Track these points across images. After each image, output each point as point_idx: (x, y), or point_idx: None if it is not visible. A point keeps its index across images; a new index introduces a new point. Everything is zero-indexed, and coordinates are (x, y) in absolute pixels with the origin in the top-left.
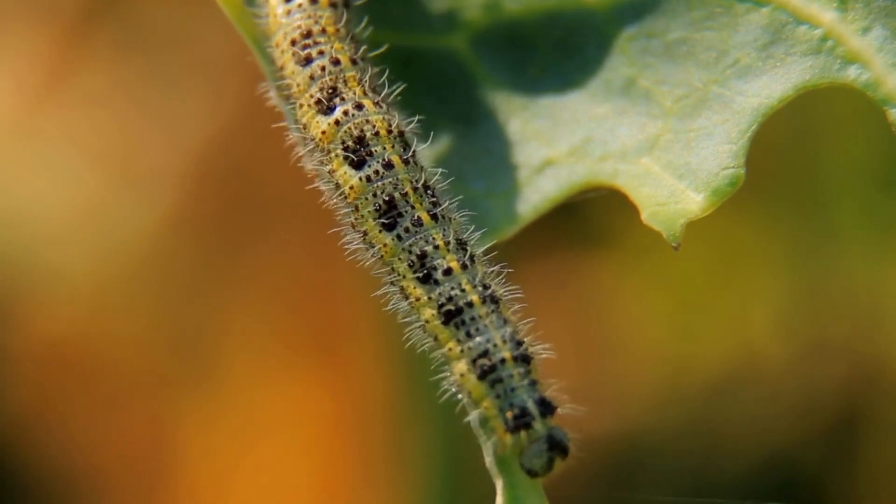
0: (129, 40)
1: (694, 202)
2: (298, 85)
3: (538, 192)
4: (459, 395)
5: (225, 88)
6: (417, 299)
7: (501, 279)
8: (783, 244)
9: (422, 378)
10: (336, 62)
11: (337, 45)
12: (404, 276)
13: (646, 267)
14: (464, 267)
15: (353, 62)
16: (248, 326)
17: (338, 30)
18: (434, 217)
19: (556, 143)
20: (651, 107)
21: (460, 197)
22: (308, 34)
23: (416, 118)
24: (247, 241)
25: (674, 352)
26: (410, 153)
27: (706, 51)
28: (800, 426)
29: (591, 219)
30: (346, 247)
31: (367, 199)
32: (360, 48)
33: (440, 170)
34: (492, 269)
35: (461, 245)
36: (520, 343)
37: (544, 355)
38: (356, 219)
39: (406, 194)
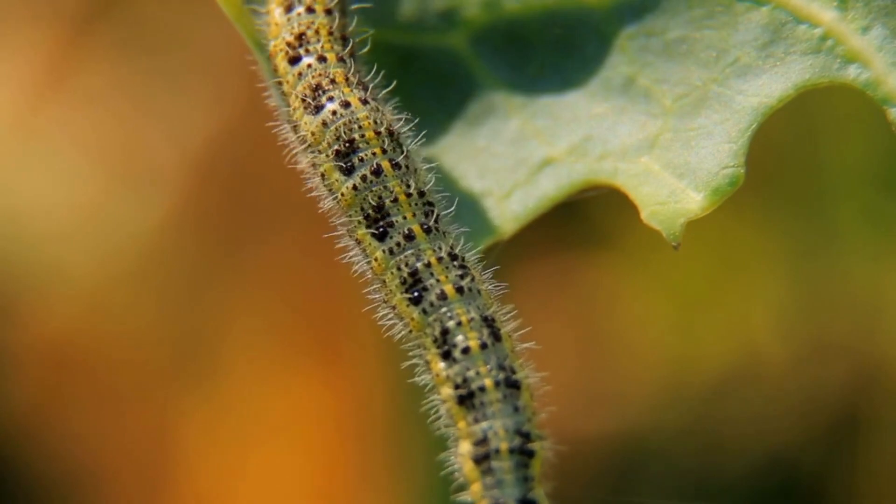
0: (130, 40)
1: (694, 201)
2: (288, 82)
3: (538, 191)
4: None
5: (225, 88)
6: (433, 369)
7: (492, 282)
8: (783, 244)
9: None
10: (322, 59)
11: (326, 44)
12: (394, 294)
13: (646, 267)
14: (467, 309)
15: (341, 59)
16: (249, 325)
17: (331, 32)
18: (427, 230)
19: (556, 141)
20: (651, 105)
21: (455, 198)
22: (301, 36)
23: (416, 120)
24: (247, 241)
25: (674, 352)
26: (402, 156)
27: (706, 49)
28: (800, 426)
29: (591, 219)
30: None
31: (358, 208)
32: (351, 46)
33: (433, 168)
34: (487, 277)
35: (453, 258)
36: (524, 433)
37: (547, 446)
38: (350, 229)
39: (396, 200)
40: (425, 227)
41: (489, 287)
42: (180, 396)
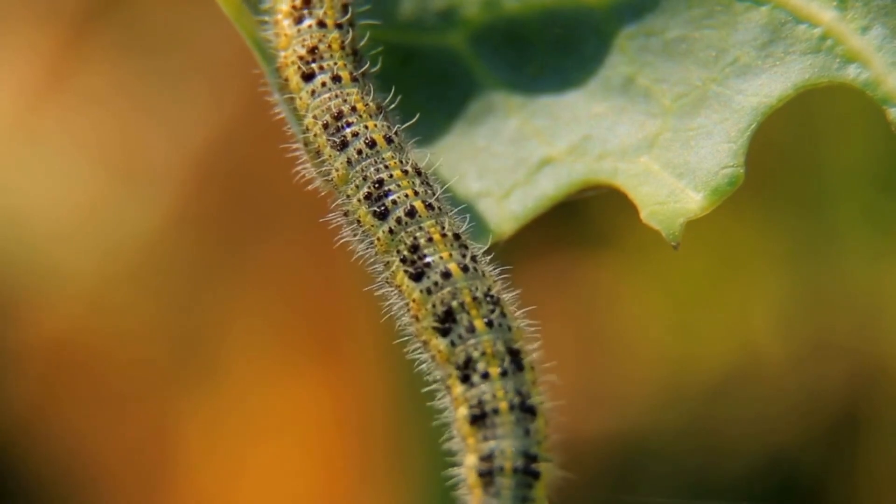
0: (130, 40)
1: (693, 201)
2: (302, 98)
3: (537, 190)
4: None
5: (225, 88)
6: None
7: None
8: (783, 244)
9: (421, 378)
10: (337, 78)
11: (340, 61)
12: (422, 323)
13: (646, 267)
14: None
15: (355, 79)
16: (249, 325)
17: (343, 47)
18: (464, 269)
19: (555, 141)
20: (650, 105)
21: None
22: (314, 50)
23: (415, 119)
24: (247, 241)
25: (674, 352)
26: (434, 197)
27: (705, 49)
28: (800, 426)
29: (591, 219)
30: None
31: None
32: (362, 63)
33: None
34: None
35: (487, 295)
36: (531, 455)
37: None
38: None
39: (432, 240)
40: (462, 265)
41: (520, 324)
42: (180, 396)
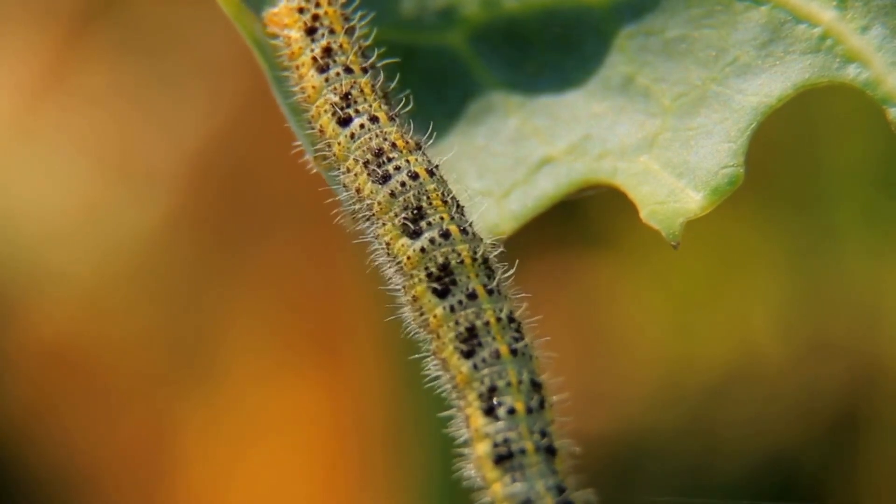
0: (128, 41)
1: (693, 201)
2: (340, 143)
3: (537, 190)
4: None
5: (224, 89)
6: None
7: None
8: (783, 244)
9: (421, 378)
10: (374, 119)
11: (374, 103)
12: (447, 346)
13: (646, 267)
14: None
15: (391, 118)
16: (247, 326)
17: (374, 90)
18: (490, 291)
19: (555, 140)
20: (650, 105)
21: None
22: (347, 96)
23: (414, 118)
24: (246, 242)
25: (673, 352)
26: (468, 223)
27: (705, 49)
28: (800, 426)
29: (590, 218)
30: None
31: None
32: (394, 106)
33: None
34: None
35: (511, 321)
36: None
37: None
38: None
39: (462, 262)
40: (488, 288)
41: (540, 353)
42: (178, 398)
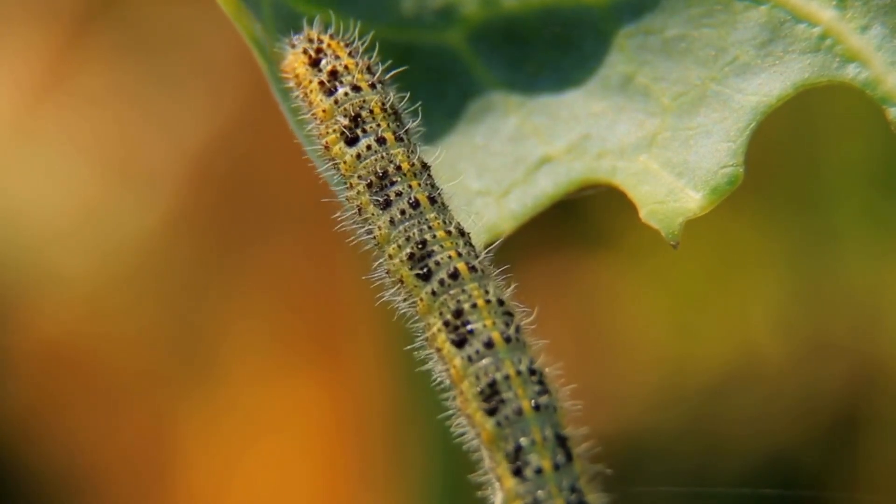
0: (129, 41)
1: (692, 200)
2: (346, 163)
3: (536, 189)
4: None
5: (224, 89)
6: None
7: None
8: (783, 244)
9: (421, 378)
10: (382, 140)
11: (383, 122)
12: (470, 403)
13: (646, 267)
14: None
15: (399, 139)
16: (247, 326)
17: (384, 108)
18: (507, 339)
19: (554, 140)
20: (649, 104)
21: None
22: (357, 118)
23: (413, 118)
24: (246, 242)
25: (674, 352)
26: (477, 259)
27: (704, 48)
28: (800, 426)
29: (590, 218)
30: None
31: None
32: (404, 123)
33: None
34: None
35: (532, 373)
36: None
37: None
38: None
39: (476, 306)
40: (505, 335)
41: (565, 405)
42: (178, 398)
